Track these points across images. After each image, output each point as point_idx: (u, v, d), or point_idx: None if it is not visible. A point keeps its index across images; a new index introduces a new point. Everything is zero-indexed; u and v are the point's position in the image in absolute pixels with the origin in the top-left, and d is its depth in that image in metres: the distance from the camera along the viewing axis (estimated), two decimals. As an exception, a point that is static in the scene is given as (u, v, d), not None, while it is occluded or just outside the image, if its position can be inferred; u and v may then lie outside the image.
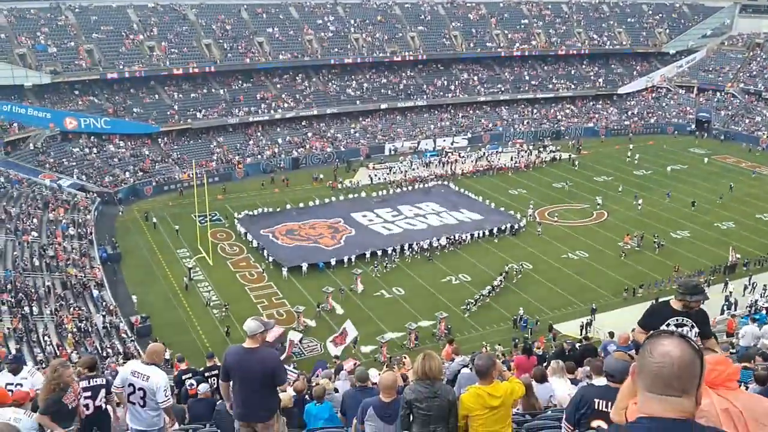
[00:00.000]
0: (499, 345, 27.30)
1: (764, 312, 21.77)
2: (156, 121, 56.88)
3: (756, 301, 30.59)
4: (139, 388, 6.64)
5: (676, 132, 70.25)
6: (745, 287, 35.83)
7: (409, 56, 69.65)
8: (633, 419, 2.18)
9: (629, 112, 73.59)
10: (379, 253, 40.72)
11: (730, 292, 34.72)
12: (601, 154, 63.07)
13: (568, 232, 44.98)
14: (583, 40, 77.21)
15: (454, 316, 33.51)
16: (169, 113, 58.14)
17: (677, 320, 5.60)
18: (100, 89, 57.26)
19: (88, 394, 7.17)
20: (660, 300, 5.91)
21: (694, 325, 5.60)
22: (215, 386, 10.29)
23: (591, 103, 74.81)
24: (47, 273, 34.18)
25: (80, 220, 42.20)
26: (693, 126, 70.58)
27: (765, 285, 35.27)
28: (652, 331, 2.23)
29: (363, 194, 52.02)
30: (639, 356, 2.18)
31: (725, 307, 33.55)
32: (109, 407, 7.24)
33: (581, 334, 31.15)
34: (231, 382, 5.95)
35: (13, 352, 23.00)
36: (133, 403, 6.71)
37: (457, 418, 5.29)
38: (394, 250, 41.11)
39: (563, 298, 35.99)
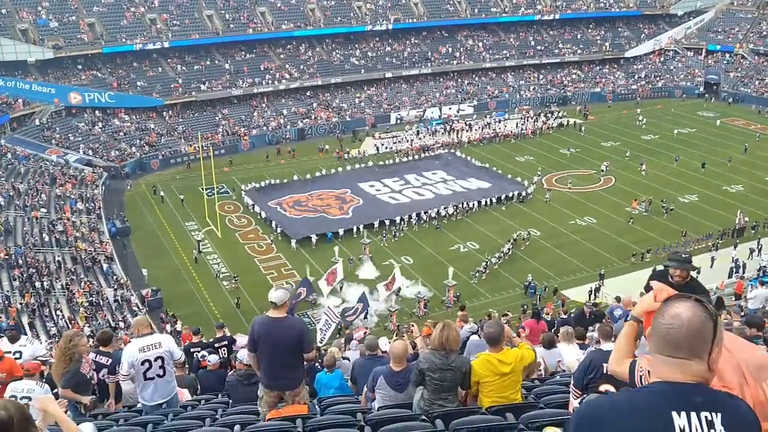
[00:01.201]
0: (508, 312, 27.45)
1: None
2: (160, 94, 56.67)
3: (765, 265, 30.55)
4: (157, 358, 6.72)
5: (684, 95, 69.41)
6: (751, 250, 35.78)
7: (413, 20, 68.78)
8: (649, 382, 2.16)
9: (636, 76, 72.67)
10: (387, 222, 40.79)
11: (733, 257, 34.73)
12: (608, 119, 62.53)
13: (575, 198, 44.86)
14: (588, 2, 75.94)
15: (462, 284, 33.66)
16: (172, 86, 57.88)
17: None
18: (103, 63, 56.97)
19: (93, 367, 7.29)
20: (662, 268, 5.88)
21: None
22: (225, 357, 10.42)
23: (598, 68, 73.88)
24: (57, 248, 34.46)
25: (88, 195, 42.38)
26: (701, 89, 69.70)
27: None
28: (668, 298, 2.21)
29: (370, 163, 51.90)
30: (653, 319, 2.17)
31: (733, 270, 33.62)
32: (110, 386, 7.32)
33: (589, 300, 31.30)
34: (258, 352, 6.01)
35: (26, 326, 23.35)
36: (152, 378, 6.76)
37: (469, 386, 5.36)
38: (402, 219, 41.17)
39: (571, 264, 36.05)
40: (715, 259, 35.20)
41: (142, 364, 6.71)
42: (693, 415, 2.00)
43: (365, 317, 30.32)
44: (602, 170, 48.80)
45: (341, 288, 33.82)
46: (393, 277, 32.69)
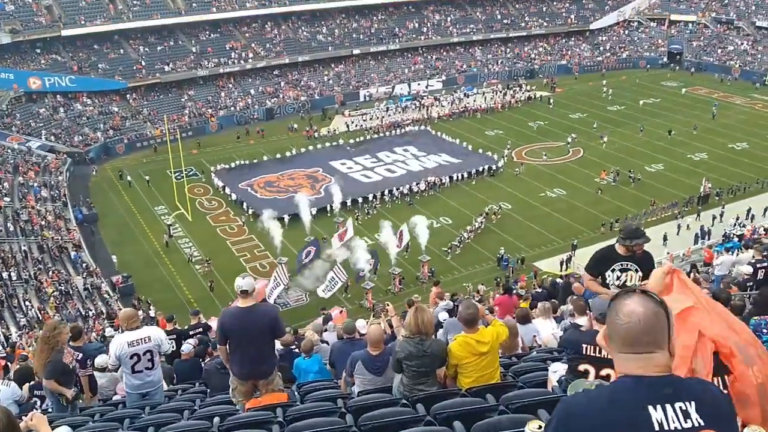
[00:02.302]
0: (482, 285, 27.70)
1: (736, 239, 22.20)
2: (123, 76, 55.41)
3: (729, 232, 31.23)
4: (146, 351, 6.64)
5: (648, 66, 70.13)
6: (714, 217, 36.60)
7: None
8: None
9: (601, 48, 73.15)
10: (360, 200, 40.73)
11: (688, 225, 35.84)
12: (575, 92, 62.95)
13: (545, 170, 45.22)
14: (554, -26, 75.96)
15: (436, 259, 33.85)
16: (135, 68, 56.62)
17: (621, 265, 5.71)
18: (62, 46, 55.41)
19: (76, 356, 7.17)
20: (605, 246, 5.98)
21: (638, 269, 5.68)
22: (199, 345, 10.32)
23: (563, 41, 74.15)
24: (23, 237, 33.73)
25: (52, 182, 41.47)
26: (665, 59, 70.48)
27: (737, 215, 35.94)
28: (617, 292, 2.24)
29: (341, 141, 51.60)
30: (607, 320, 2.18)
31: (698, 237, 34.35)
32: (82, 380, 7.23)
33: (561, 270, 31.79)
34: (228, 344, 5.90)
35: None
36: (140, 371, 6.68)
37: (446, 367, 5.38)
38: (374, 196, 41.13)
39: (543, 236, 36.47)
40: (681, 227, 35.95)
41: (131, 357, 6.62)
42: (668, 407, 2.02)
43: (375, 272, 32.41)
44: (568, 142, 49.22)
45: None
46: (346, 228, 34.61)
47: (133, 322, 6.79)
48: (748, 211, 36.55)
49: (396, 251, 33.44)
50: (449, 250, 34.86)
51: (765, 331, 3.49)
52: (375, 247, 34.21)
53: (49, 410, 7.44)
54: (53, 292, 28.99)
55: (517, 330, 8.10)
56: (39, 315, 26.89)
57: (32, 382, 7.73)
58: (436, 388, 5.32)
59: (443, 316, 9.27)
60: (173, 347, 7.98)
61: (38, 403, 7.54)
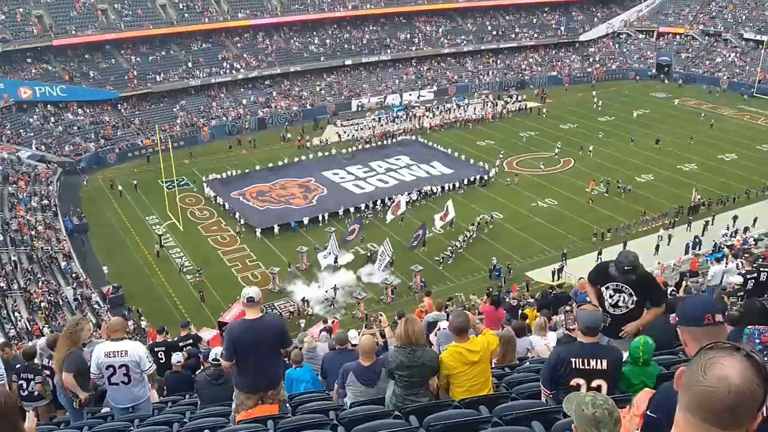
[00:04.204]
0: (474, 295, 27.70)
1: (726, 249, 22.32)
2: (114, 86, 55.28)
3: (718, 242, 31.45)
4: (121, 366, 6.48)
5: (637, 77, 70.68)
6: (705, 227, 36.85)
7: (371, 6, 68.34)
8: None
9: (591, 59, 73.71)
10: (352, 210, 40.72)
11: (670, 236, 36.00)
12: (565, 102, 63.33)
13: (536, 180, 45.38)
14: (544, -14, 76.59)
15: (429, 269, 33.83)
16: (127, 78, 56.52)
17: (616, 285, 5.71)
18: (53, 56, 55.26)
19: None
20: (608, 261, 5.97)
21: (633, 292, 5.65)
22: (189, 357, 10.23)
23: (554, 52, 74.68)
24: (12, 248, 33.46)
25: (43, 192, 41.22)
26: (654, 70, 71.07)
27: (728, 224, 36.18)
28: (708, 344, 1.81)
29: (333, 151, 51.64)
30: (689, 368, 1.79)
31: (689, 246, 34.55)
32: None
33: (553, 280, 31.84)
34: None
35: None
36: (117, 384, 6.55)
37: (438, 377, 5.36)
38: (366, 206, 41.15)
39: (535, 245, 36.54)
40: (672, 237, 36.14)
41: (107, 368, 6.50)
42: None
43: (423, 244, 35.49)
44: (555, 153, 49.38)
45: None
46: (447, 209, 37.07)
47: (116, 332, 6.67)
48: (735, 217, 37.19)
49: (440, 224, 36.91)
50: (442, 260, 34.86)
51: (758, 341, 3.51)
52: (424, 220, 37.23)
53: (35, 393, 7.45)
54: (42, 302, 28.74)
55: (514, 342, 8.09)
56: (28, 326, 26.63)
57: (20, 365, 7.74)
58: (428, 399, 5.30)
59: (443, 323, 9.26)
60: (153, 364, 7.81)
61: (24, 385, 7.63)
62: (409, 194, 42.35)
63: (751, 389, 1.67)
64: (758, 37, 67.20)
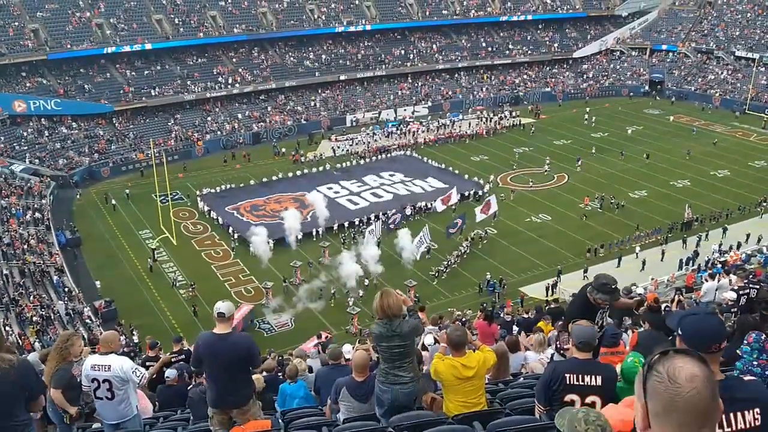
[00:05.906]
0: (469, 310, 27.65)
1: (719, 266, 22.38)
2: (109, 100, 55.32)
3: (712, 258, 31.54)
4: (104, 381, 6.33)
5: (630, 94, 71.21)
6: (698, 243, 37.07)
7: (366, 23, 68.78)
8: None
9: (585, 76, 74.28)
10: (346, 224, 40.69)
11: (663, 252, 36.31)
12: (559, 118, 63.67)
13: (530, 196, 45.50)
14: (537, 5, 77.26)
15: (422, 284, 33.78)
16: (122, 92, 56.58)
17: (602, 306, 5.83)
18: (48, 70, 55.31)
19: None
20: (583, 292, 5.96)
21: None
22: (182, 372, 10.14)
23: (547, 68, 75.25)
24: (4, 261, 33.23)
25: (35, 206, 41.06)
26: (647, 87, 71.64)
27: (721, 242, 36.31)
28: (656, 354, 1.80)
29: (327, 166, 51.72)
30: (654, 379, 1.73)
31: (683, 262, 34.65)
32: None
33: (547, 295, 31.85)
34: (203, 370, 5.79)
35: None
36: (101, 398, 6.43)
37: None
38: (360, 221, 41.13)
39: (528, 261, 36.55)
40: (665, 252, 36.24)
41: (92, 381, 6.41)
42: None
43: (461, 232, 37.71)
44: (546, 170, 49.50)
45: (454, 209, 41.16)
46: (488, 201, 38.42)
47: (106, 345, 6.58)
48: (725, 229, 37.89)
49: (481, 217, 38.19)
50: (436, 275, 34.82)
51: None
52: (462, 211, 39.34)
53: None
54: (34, 317, 28.51)
55: (508, 356, 8.07)
56: (19, 340, 26.37)
57: None
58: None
59: (429, 340, 9.23)
60: (144, 374, 7.66)
61: None
62: (404, 208, 42.31)
63: (713, 381, 1.70)
64: (750, 55, 67.97)
